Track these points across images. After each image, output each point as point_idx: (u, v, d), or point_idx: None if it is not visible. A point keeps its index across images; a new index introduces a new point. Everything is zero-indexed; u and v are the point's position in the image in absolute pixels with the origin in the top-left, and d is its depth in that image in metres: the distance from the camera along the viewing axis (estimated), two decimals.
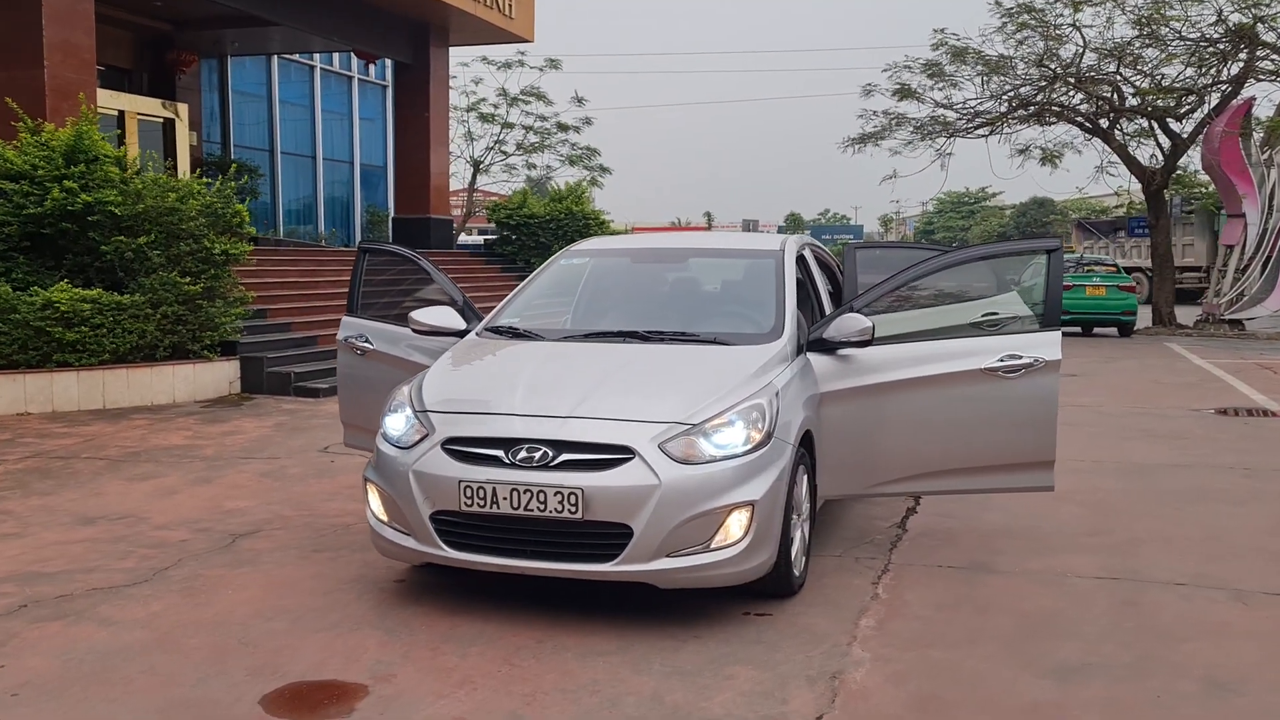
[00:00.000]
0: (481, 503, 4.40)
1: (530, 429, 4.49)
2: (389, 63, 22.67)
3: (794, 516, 4.80)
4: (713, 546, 4.35)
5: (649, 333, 5.32)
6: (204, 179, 12.46)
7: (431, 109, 20.74)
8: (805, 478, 5.00)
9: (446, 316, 5.76)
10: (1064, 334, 19.29)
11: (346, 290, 6.79)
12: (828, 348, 5.31)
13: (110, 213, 10.74)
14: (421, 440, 4.64)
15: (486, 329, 5.65)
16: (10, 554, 5.54)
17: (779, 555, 4.59)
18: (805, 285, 6.32)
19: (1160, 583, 5.08)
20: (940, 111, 23.29)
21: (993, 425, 5.35)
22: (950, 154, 23.80)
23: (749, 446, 4.47)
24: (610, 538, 4.31)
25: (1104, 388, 12.37)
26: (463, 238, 34.36)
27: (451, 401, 4.79)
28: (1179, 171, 23.50)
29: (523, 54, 33.62)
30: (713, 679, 3.95)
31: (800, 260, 6.31)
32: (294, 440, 8.85)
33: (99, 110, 19.42)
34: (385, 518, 4.74)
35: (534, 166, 36.95)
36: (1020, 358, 5.30)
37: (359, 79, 28.49)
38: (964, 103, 22.83)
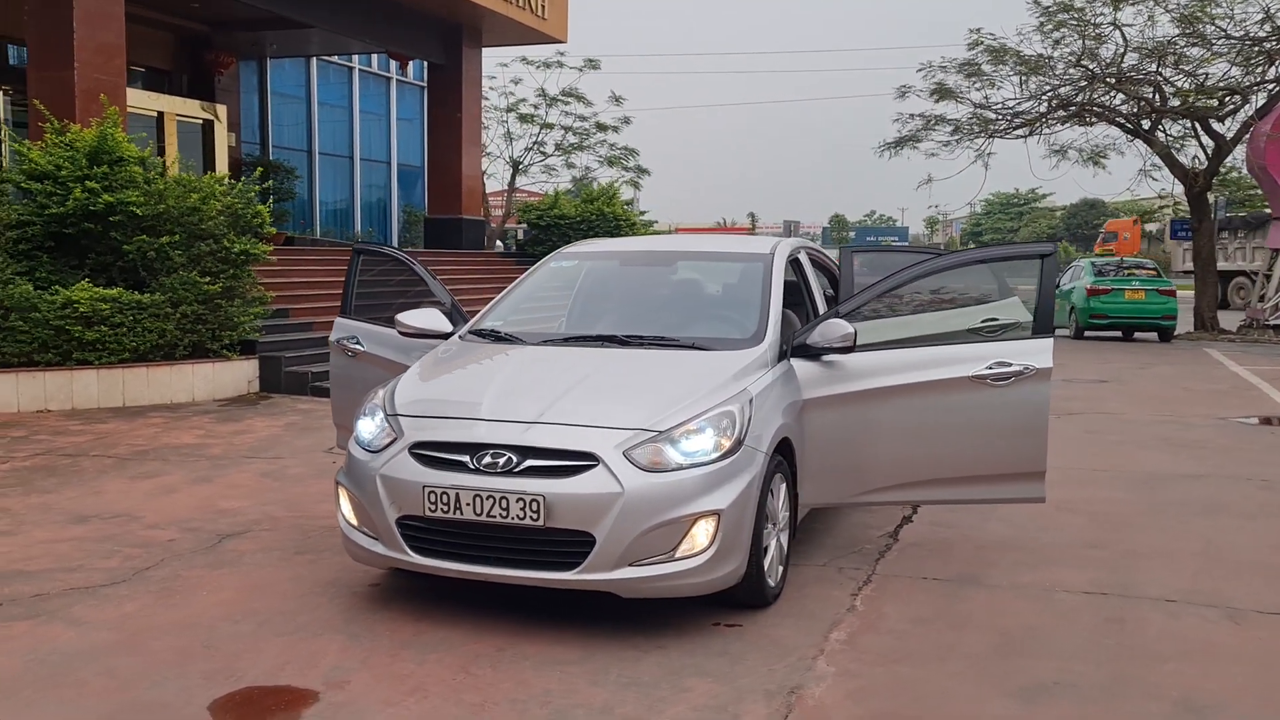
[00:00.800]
0: (445, 508, 4.36)
1: (495, 434, 4.44)
2: (426, 63, 22.76)
3: (769, 526, 4.71)
4: (677, 556, 4.28)
5: (628, 337, 5.25)
6: (231, 180, 12.59)
7: (464, 110, 20.80)
8: (783, 486, 4.90)
9: (432, 319, 5.74)
10: (1103, 338, 19.09)
11: (400, 288, 6.71)
12: (811, 353, 5.21)
13: (132, 213, 10.86)
14: (390, 444, 4.61)
15: (470, 332, 5.62)
16: None
17: (750, 565, 4.50)
18: (800, 289, 6.22)
19: (1150, 599, 4.92)
20: (980, 111, 22.99)
21: (981, 434, 5.22)
22: (991, 154, 23.50)
23: (717, 454, 4.38)
24: (572, 545, 4.25)
25: (1132, 394, 12.10)
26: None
27: (422, 405, 4.76)
28: (1223, 173, 22.95)
29: (562, 54, 33.69)
30: (669, 691, 3.87)
31: (795, 264, 6.21)
32: (301, 440, 8.89)
33: (139, 111, 19.87)
34: (355, 522, 4.72)
35: (573, 167, 37.04)
36: (1010, 365, 5.17)
37: (397, 80, 28.70)
38: (1003, 103, 22.51)
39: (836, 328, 5.13)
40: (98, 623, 4.55)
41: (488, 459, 4.36)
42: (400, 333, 5.79)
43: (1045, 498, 5.34)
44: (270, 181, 17.84)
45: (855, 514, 6.31)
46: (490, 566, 4.36)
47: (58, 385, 10.35)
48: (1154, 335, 20.56)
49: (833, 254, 6.86)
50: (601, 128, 36.67)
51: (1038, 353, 5.19)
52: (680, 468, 4.32)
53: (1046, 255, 5.35)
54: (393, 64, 28.02)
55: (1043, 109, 22.11)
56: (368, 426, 4.78)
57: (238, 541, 5.81)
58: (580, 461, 4.30)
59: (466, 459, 4.40)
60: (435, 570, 4.47)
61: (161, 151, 20.43)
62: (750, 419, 4.56)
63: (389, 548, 4.54)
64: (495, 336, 5.52)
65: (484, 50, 21.99)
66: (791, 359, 5.22)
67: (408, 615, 4.64)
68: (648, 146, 58.66)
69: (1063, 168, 23.60)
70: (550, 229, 21.08)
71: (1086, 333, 20.77)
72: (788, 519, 4.98)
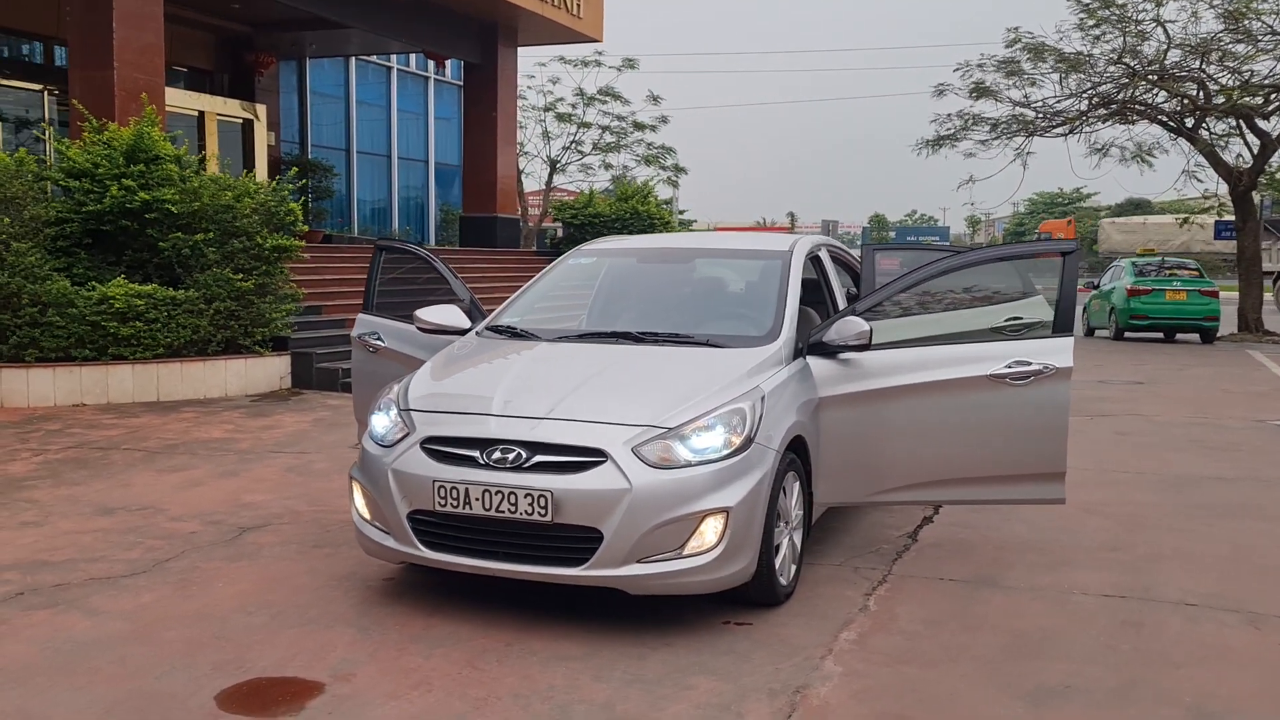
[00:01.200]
0: (455, 503, 4.37)
1: (505, 430, 4.45)
2: (462, 62, 22.87)
3: (780, 524, 4.68)
4: (685, 553, 4.27)
5: (643, 334, 5.24)
6: (271, 178, 12.75)
7: (499, 109, 20.88)
8: (796, 484, 4.87)
9: (450, 315, 5.77)
10: (1143, 339, 18.77)
11: (427, 285, 6.74)
12: (827, 351, 5.17)
13: (168, 210, 11.01)
14: (402, 439, 4.64)
15: (487, 328, 5.64)
16: (24, 542, 5.68)
17: (760, 564, 4.48)
18: (820, 286, 6.19)
19: (1170, 602, 4.84)
20: (1019, 110, 22.73)
21: (1000, 434, 5.16)
22: (1030, 153, 23.23)
23: (727, 451, 4.36)
24: (580, 541, 4.25)
25: (1167, 396, 11.91)
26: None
27: (434, 400, 4.78)
28: (1269, 171, 22.53)
29: (600, 54, 33.76)
30: (672, 689, 3.86)
31: (816, 261, 6.18)
32: (329, 435, 8.96)
33: (180, 110, 20.15)
34: (368, 516, 4.75)
35: (610, 166, 37.10)
36: (1029, 364, 5.11)
37: (435, 79, 28.89)
38: (1042, 101, 22.23)
39: (852, 325, 5.09)
40: (114, 613, 4.62)
41: (497, 454, 4.37)
42: (418, 329, 5.83)
43: (1065, 499, 5.26)
44: (305, 180, 18.03)
45: (874, 513, 6.26)
46: (499, 562, 4.37)
47: (93, 380, 10.51)
48: (1196, 337, 20.24)
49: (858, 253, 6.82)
50: (639, 126, 36.71)
51: (1058, 352, 5.13)
52: (689, 465, 4.31)
53: (1068, 253, 5.28)
54: (430, 63, 28.24)
55: (1083, 107, 21.81)
56: (381, 421, 4.82)
57: (258, 535, 5.86)
58: (589, 458, 4.29)
59: (477, 454, 4.41)
60: (445, 565, 4.49)
61: (202, 150, 20.81)
62: (762, 416, 4.53)
63: (400, 542, 4.57)
64: (511, 333, 5.53)
65: (520, 50, 22.06)
66: (808, 357, 5.19)
67: (419, 609, 4.67)
68: (687, 145, 58.69)
69: (1105, 166, 23.35)
70: (585, 227, 21.11)
71: (1126, 334, 20.48)
72: (801, 517, 4.95)
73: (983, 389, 5.13)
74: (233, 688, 3.86)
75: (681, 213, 78.21)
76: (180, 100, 20.42)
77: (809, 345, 5.20)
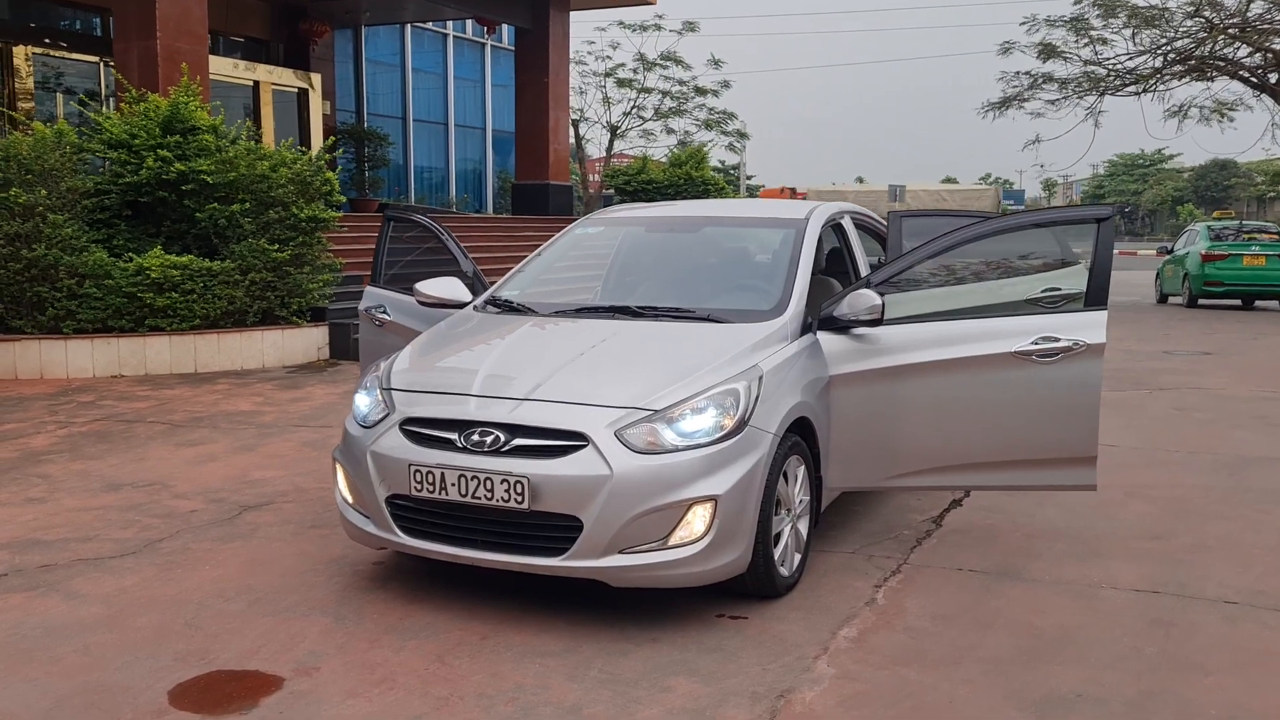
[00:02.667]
0: (431, 488, 4.16)
1: (484, 411, 4.21)
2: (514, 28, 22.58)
3: (781, 512, 4.40)
4: (670, 544, 4.00)
5: (641, 308, 4.96)
6: (301, 148, 12.65)
7: (551, 74, 20.60)
8: (801, 469, 4.57)
9: (451, 288, 5.54)
10: (1219, 307, 18.01)
11: (443, 257, 6.50)
12: (839, 326, 4.84)
13: (204, 181, 10.96)
14: (382, 419, 4.43)
15: (486, 302, 5.40)
16: (24, 519, 5.61)
17: (756, 554, 4.20)
18: (843, 256, 5.86)
19: (1207, 599, 4.45)
20: (1091, 68, 21.85)
21: (1025, 416, 4.79)
22: (1103, 112, 22.36)
23: (717, 435, 4.08)
24: (559, 530, 4.01)
25: (1236, 368, 11.30)
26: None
27: (415, 379, 4.56)
28: None
29: (660, 17, 33.31)
30: (648, 691, 3.61)
31: (837, 229, 5.85)
32: None
33: (235, 80, 20.21)
34: (350, 500, 4.56)
35: (672, 131, 36.68)
36: (1058, 340, 4.73)
37: (491, 45, 28.69)
38: (1114, 58, 21.32)
39: (864, 299, 4.75)
40: (92, 596, 4.50)
41: (475, 437, 4.14)
42: (418, 301, 5.62)
43: (1096, 485, 4.88)
44: (338, 149, 17.92)
45: (899, 497, 5.93)
46: (477, 550, 4.15)
47: (131, 351, 10.53)
48: (1277, 304, 19.34)
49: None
50: (700, 91, 36.25)
51: (1089, 327, 4.73)
52: (675, 450, 4.03)
53: (1103, 219, 4.88)
54: (491, 30, 28.00)
55: (1157, 64, 20.88)
56: (363, 401, 4.62)
57: (257, 514, 5.73)
58: (569, 441, 4.04)
59: (454, 437, 4.19)
60: (423, 552, 4.29)
61: (244, 120, 20.87)
62: (757, 398, 4.23)
63: (379, 527, 4.37)
64: (508, 307, 5.29)
65: (575, 14, 21.73)
66: (820, 332, 4.87)
67: (401, 597, 4.47)
68: (751, 109, 57.85)
69: (1183, 126, 22.25)
70: (638, 194, 20.78)
71: (1201, 301, 19.63)
72: (807, 504, 4.66)
73: (1007, 367, 4.77)
74: (189, 681, 3.70)
75: (749, 178, 77.32)
76: (235, 70, 20.50)
77: (820, 320, 4.88)
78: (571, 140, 36.11)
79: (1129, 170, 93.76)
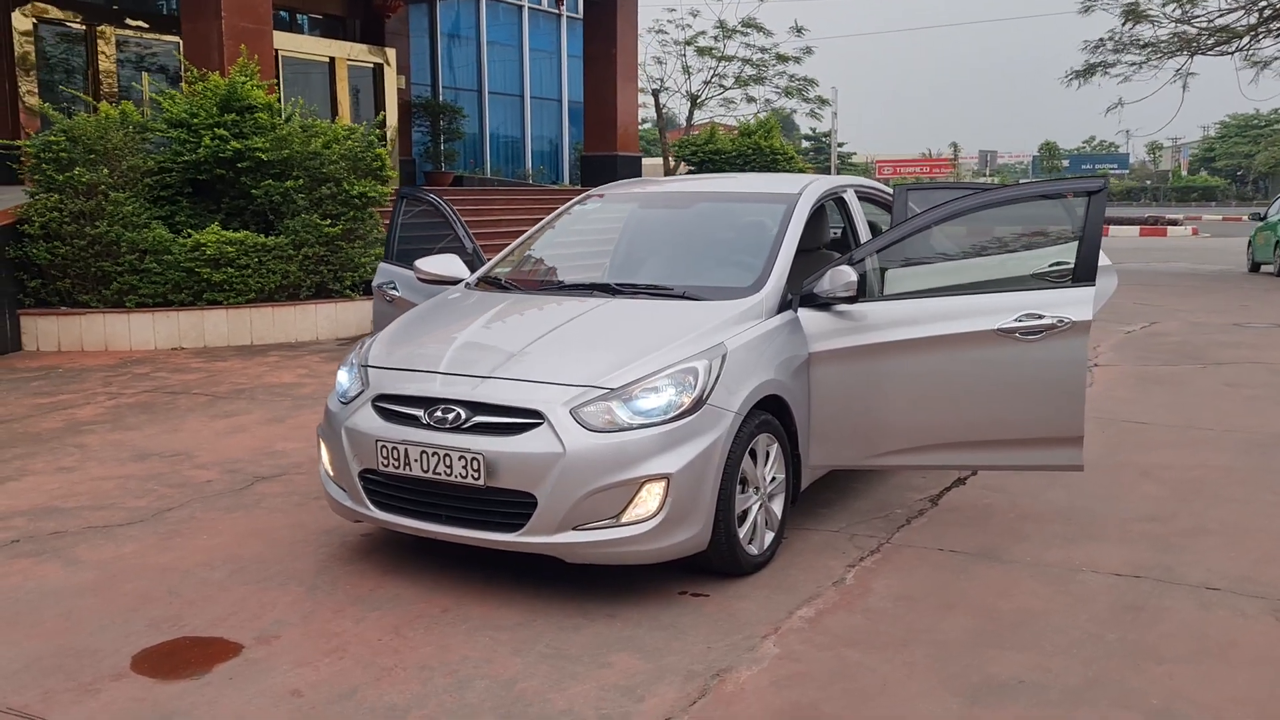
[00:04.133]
0: (396, 463, 4.26)
1: (448, 389, 4.29)
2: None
3: (749, 491, 4.39)
4: (624, 521, 4.03)
5: (620, 285, 4.98)
6: (402, 122, 12.88)
7: (619, 44, 20.55)
8: (774, 448, 4.56)
9: (450, 265, 5.63)
10: None
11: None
12: (819, 303, 4.80)
13: (258, 158, 11.25)
14: (358, 396, 4.54)
15: (478, 279, 5.48)
16: (50, 487, 5.89)
17: (717, 532, 4.21)
18: (846, 231, 5.79)
19: (1189, 585, 4.33)
20: (1180, 28, 20.98)
21: (1008, 394, 4.69)
22: (1192, 74, 21.48)
23: (672, 414, 4.09)
24: (515, 506, 4.08)
25: None
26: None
27: (391, 356, 4.66)
28: None
29: None
30: (587, 667, 3.66)
31: (840, 204, 5.78)
32: None
33: (311, 57, 20.63)
34: (332, 474, 4.69)
35: (753, 100, 36.32)
36: (1042, 317, 4.61)
37: (568, 16, 28.70)
38: (1204, 14, 20.42)
39: (841, 275, 4.70)
40: (90, 563, 4.72)
41: (438, 414, 4.22)
42: (418, 279, 5.72)
43: (1083, 465, 4.76)
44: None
45: (901, 475, 5.86)
46: (440, 525, 4.25)
47: (190, 324, 10.91)
48: None
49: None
50: (782, 59, 35.79)
51: (1075, 303, 4.61)
52: (629, 428, 4.05)
53: (1095, 192, 4.73)
54: (569, 3, 28.04)
55: (1252, 20, 19.93)
56: (343, 377, 4.73)
57: (268, 485, 5.92)
58: (526, 419, 4.10)
59: (420, 413, 4.28)
60: (392, 525, 4.40)
61: (333, 96, 21.28)
62: (719, 376, 4.23)
63: (354, 501, 4.49)
64: (497, 284, 5.35)
65: None
66: (801, 309, 4.83)
67: (378, 568, 4.60)
68: (837, 75, 56.83)
69: (1260, 78, 21.20)
70: (705, 164, 20.67)
71: None
72: (782, 482, 4.64)
73: (990, 344, 4.67)
74: (155, 647, 3.86)
75: (840, 145, 76.13)
76: (310, 47, 20.92)
77: (801, 297, 4.84)
78: (646, 110, 36.15)
79: (1242, 132, 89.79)
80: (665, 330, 4.47)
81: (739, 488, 4.34)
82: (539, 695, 3.47)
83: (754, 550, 4.46)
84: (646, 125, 41.58)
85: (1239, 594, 4.23)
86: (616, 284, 4.99)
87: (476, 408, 4.18)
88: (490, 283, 5.40)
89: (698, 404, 4.13)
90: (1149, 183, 74.58)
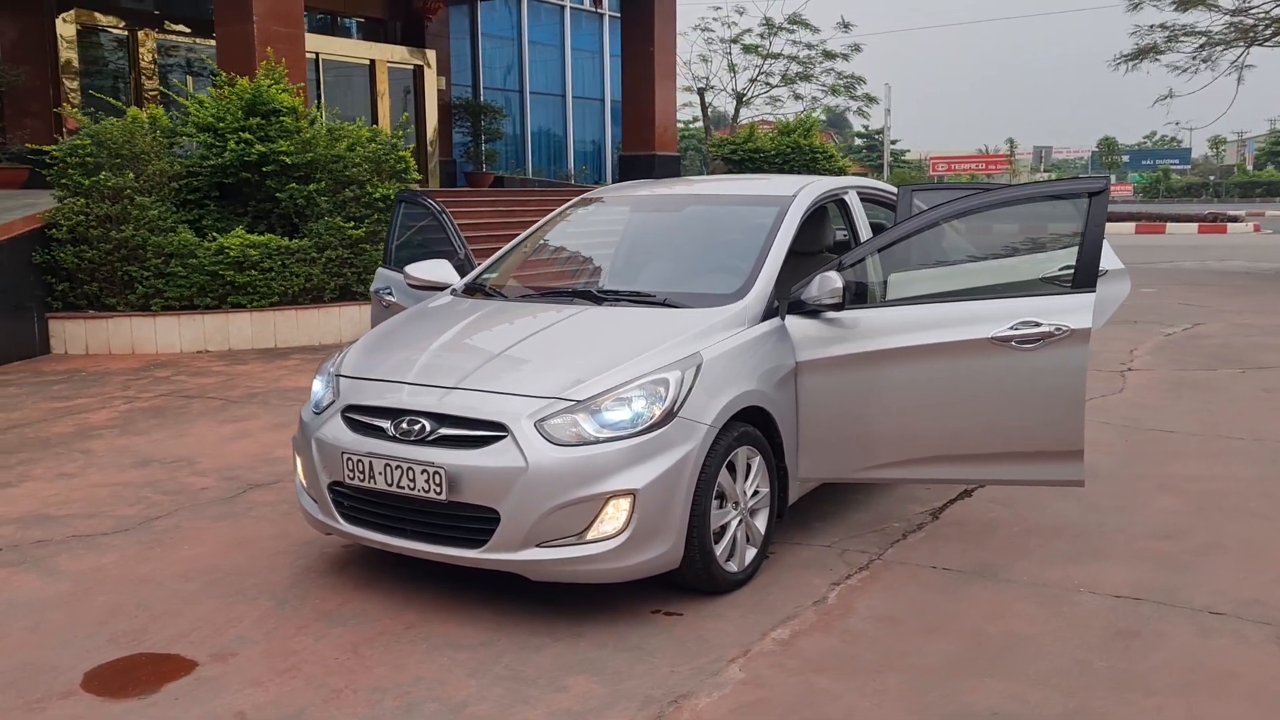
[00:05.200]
0: (360, 476, 4.16)
1: (415, 399, 4.18)
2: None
3: (726, 506, 4.23)
4: (588, 538, 3.90)
5: (603, 293, 4.84)
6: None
7: (657, 43, 20.39)
8: (756, 460, 4.39)
9: (440, 270, 5.54)
10: None
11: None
12: (807, 310, 4.62)
13: (283, 162, 11.27)
14: (329, 406, 4.45)
15: (464, 286, 5.37)
16: (46, 494, 5.89)
17: (690, 549, 4.05)
18: (848, 234, 5.61)
19: (1191, 609, 4.09)
20: (1237, 18, 20.33)
21: (1004, 406, 4.48)
22: (1249, 66, 20.81)
23: (640, 427, 3.94)
24: (478, 522, 3.96)
25: None
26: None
27: (363, 366, 4.56)
28: None
29: None
30: (542, 690, 3.53)
31: (841, 205, 5.59)
32: None
33: (352, 59, 20.74)
34: (305, 484, 4.60)
35: (800, 97, 36.01)
36: (1039, 325, 4.40)
37: (610, 16, 28.58)
38: (1261, 5, 19.76)
39: (828, 282, 4.52)
40: (68, 574, 4.68)
41: (404, 426, 4.11)
42: (408, 284, 5.63)
43: (1084, 480, 4.53)
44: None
45: (905, 487, 5.65)
46: (405, 539, 4.14)
47: (215, 327, 10.96)
48: None
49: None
50: (829, 55, 35.45)
51: (1074, 311, 4.39)
52: (595, 441, 3.91)
53: (1096, 193, 4.50)
54: (606, 0, 27.96)
55: None
56: (317, 386, 4.65)
57: (260, 493, 5.86)
58: (490, 432, 3.97)
59: (386, 425, 4.17)
60: (359, 539, 4.30)
61: (374, 98, 21.38)
62: (691, 387, 4.07)
63: (324, 513, 4.41)
64: (481, 291, 5.24)
65: None
66: (789, 316, 4.65)
67: (350, 582, 4.50)
68: (889, 72, 56.12)
69: None
70: (744, 163, 20.44)
71: None
72: (765, 497, 4.47)
73: (985, 353, 4.46)
74: (110, 663, 3.80)
75: (894, 142, 75.23)
76: (350, 50, 21.04)
77: (789, 304, 4.67)
78: (692, 110, 35.81)
79: None
80: (641, 339, 4.32)
81: (716, 503, 4.19)
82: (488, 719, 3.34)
83: (733, 567, 4.30)
84: (697, 124, 41.35)
85: (1244, 619, 3.99)
86: (599, 291, 4.85)
87: (442, 419, 4.07)
88: (475, 289, 5.29)
89: (668, 416, 3.98)
90: (1212, 178, 72.79)
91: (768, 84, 35.83)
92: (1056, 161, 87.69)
